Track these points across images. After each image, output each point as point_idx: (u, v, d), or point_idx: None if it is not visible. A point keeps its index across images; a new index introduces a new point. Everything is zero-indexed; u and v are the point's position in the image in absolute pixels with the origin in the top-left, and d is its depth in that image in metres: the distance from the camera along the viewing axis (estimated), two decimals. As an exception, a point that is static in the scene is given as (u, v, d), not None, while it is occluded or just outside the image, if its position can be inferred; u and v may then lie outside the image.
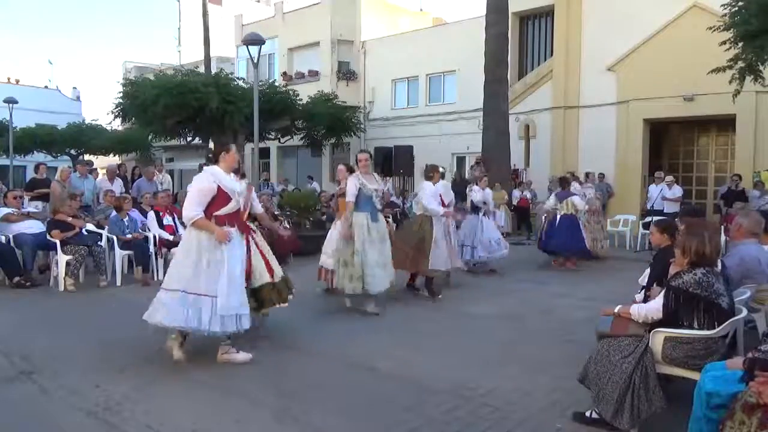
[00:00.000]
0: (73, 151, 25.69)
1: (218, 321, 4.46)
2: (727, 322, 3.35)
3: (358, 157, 6.66)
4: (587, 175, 13.60)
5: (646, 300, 4.03)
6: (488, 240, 9.02)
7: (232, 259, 4.55)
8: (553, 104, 16.86)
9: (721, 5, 10.14)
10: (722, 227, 8.60)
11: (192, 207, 4.55)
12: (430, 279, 7.36)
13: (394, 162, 14.35)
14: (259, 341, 5.18)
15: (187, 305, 4.45)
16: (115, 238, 8.19)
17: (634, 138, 15.50)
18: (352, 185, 6.40)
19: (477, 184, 9.47)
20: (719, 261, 3.87)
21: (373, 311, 6.40)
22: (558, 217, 9.80)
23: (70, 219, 8.11)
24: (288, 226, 9.83)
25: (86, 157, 23.60)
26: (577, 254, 9.88)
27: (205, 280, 4.47)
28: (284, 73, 23.20)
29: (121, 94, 17.19)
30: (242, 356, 4.76)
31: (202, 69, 20.01)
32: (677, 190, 12.66)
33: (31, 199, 10.79)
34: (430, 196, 7.35)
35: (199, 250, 4.52)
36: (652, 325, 3.54)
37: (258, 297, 4.99)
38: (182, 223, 9.00)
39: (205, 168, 4.79)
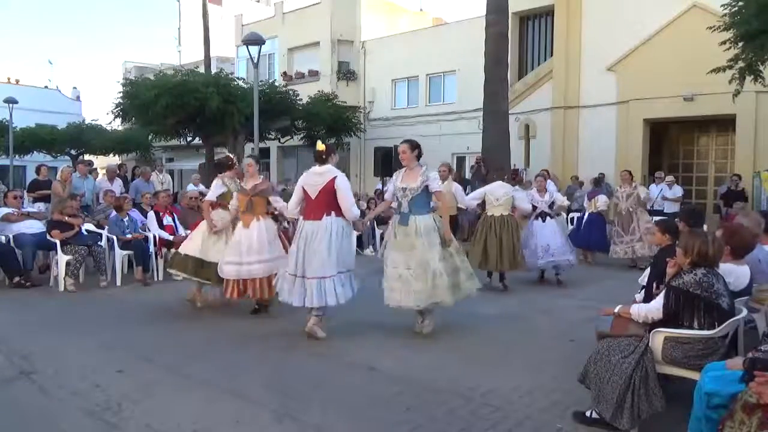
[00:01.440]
0: (73, 151, 25.69)
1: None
2: (727, 322, 3.35)
3: (398, 149, 5.78)
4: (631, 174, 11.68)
5: (646, 300, 4.03)
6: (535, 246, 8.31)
7: None
8: (553, 104, 16.86)
9: (721, 5, 10.14)
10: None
11: (354, 204, 5.54)
12: (502, 273, 7.94)
13: (394, 162, 14.35)
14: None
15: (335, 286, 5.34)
16: (115, 238, 8.18)
17: (634, 138, 15.50)
18: (391, 183, 5.85)
19: (533, 188, 8.83)
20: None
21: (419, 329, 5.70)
22: (585, 215, 10.37)
23: (66, 218, 8.09)
24: (288, 225, 9.82)
25: (86, 157, 23.59)
26: (596, 250, 10.31)
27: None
28: (284, 73, 23.20)
29: (121, 94, 17.18)
30: (321, 333, 5.43)
31: (202, 69, 20.00)
32: (677, 190, 12.65)
33: (34, 200, 10.79)
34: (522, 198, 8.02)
35: (345, 238, 5.47)
36: (652, 325, 3.54)
37: None
38: (182, 223, 9.02)
39: (336, 171, 5.47)
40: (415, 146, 5.57)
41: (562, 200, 8.62)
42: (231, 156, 7.03)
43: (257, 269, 6.00)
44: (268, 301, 6.30)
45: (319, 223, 5.32)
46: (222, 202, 6.55)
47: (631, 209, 9.92)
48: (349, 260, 5.56)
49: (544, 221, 8.34)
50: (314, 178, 5.45)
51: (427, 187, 5.46)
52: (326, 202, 5.36)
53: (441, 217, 5.61)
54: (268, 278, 6.03)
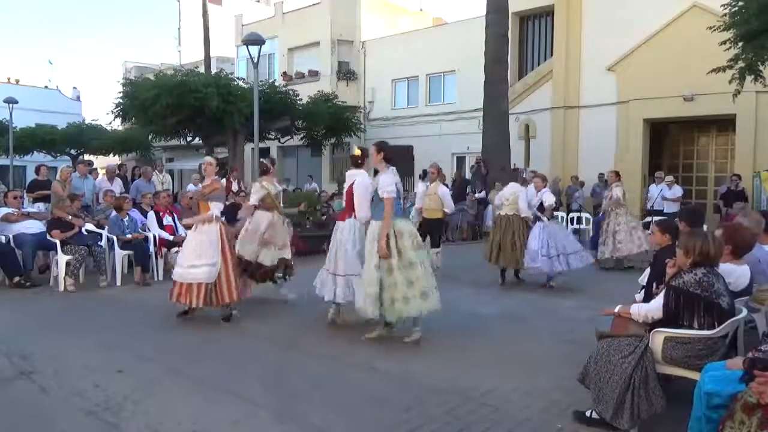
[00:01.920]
0: (73, 151, 25.71)
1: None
2: (727, 322, 3.35)
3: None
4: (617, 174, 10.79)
5: (646, 300, 4.03)
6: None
7: None
8: (553, 104, 16.86)
9: (721, 5, 10.15)
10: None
11: (366, 208, 5.44)
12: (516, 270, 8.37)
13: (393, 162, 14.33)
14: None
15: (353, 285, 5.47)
16: (115, 238, 8.17)
17: (634, 138, 15.50)
18: None
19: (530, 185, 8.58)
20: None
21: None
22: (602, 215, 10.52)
23: (70, 218, 8.11)
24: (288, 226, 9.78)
25: (86, 157, 23.60)
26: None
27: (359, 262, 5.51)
28: (284, 73, 23.20)
29: (121, 94, 17.20)
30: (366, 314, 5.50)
31: (202, 69, 20.02)
32: (677, 190, 12.64)
33: (34, 200, 10.78)
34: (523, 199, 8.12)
35: (359, 240, 5.56)
36: (652, 325, 3.54)
37: None
38: (182, 223, 9.02)
39: (358, 175, 5.61)
40: (380, 149, 5.41)
41: (548, 200, 8.18)
42: (264, 161, 7.06)
43: (187, 274, 5.81)
44: (195, 308, 5.99)
45: (344, 224, 5.71)
46: (263, 204, 6.61)
47: (605, 212, 9.74)
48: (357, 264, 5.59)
49: (533, 225, 8.11)
50: (346, 181, 5.78)
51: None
52: (350, 204, 5.66)
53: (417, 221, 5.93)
54: (199, 285, 5.76)
